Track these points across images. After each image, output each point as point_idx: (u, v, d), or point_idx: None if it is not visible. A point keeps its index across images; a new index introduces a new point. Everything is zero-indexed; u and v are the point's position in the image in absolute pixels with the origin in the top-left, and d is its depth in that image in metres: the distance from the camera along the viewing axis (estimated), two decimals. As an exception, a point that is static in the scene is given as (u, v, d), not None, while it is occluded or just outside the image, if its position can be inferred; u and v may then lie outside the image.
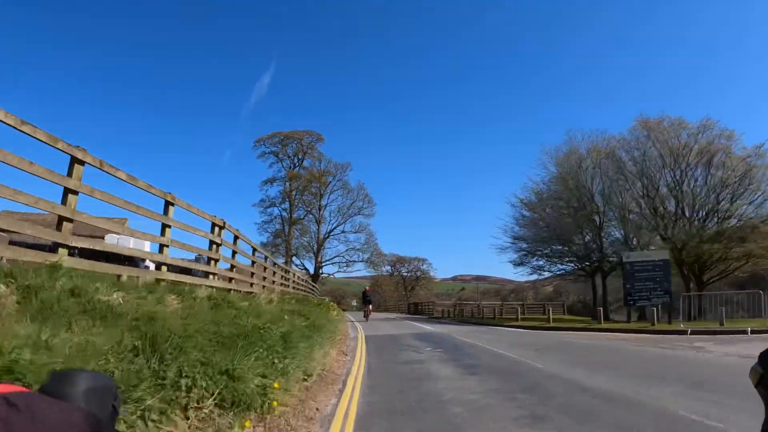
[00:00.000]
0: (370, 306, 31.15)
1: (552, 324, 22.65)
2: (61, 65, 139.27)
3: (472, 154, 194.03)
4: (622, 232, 34.50)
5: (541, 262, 40.03)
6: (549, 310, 23.92)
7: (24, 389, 0.63)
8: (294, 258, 55.74)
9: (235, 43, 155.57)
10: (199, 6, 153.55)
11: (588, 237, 36.35)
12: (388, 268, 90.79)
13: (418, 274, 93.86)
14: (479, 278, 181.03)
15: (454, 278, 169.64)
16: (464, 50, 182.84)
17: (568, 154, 36.27)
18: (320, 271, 54.81)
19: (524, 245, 39.71)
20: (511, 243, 39.57)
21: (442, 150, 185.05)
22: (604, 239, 35.12)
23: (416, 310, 48.09)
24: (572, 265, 39.89)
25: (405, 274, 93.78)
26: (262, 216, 56.19)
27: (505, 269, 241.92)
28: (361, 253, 55.11)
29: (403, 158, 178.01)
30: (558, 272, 41.24)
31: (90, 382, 0.70)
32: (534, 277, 43.06)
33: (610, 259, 33.70)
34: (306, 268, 54.89)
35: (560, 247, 37.99)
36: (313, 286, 45.18)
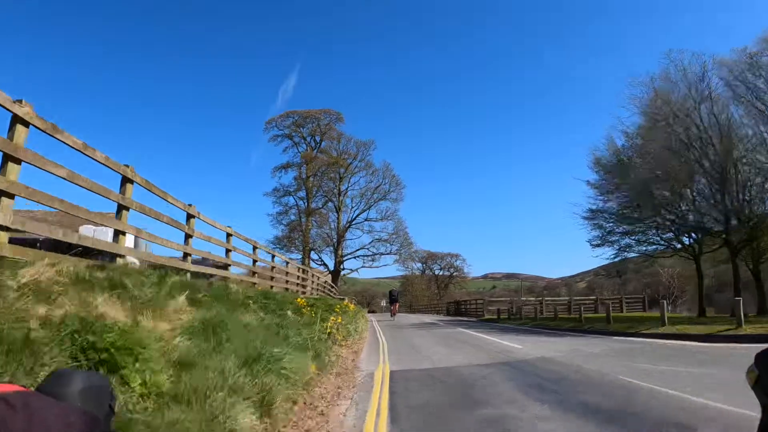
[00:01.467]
0: (397, 305, 29.90)
1: (748, 330, 11.02)
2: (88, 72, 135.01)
3: (509, 139, 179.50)
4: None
5: (627, 240, 28.09)
6: (740, 304, 12.11)
7: (22, 389, 0.61)
8: (312, 253, 45.22)
9: (259, 49, 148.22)
10: (219, 13, 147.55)
11: (683, 204, 24.46)
12: (419, 265, 79.93)
13: (452, 271, 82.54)
14: (510, 275, 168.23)
15: (485, 276, 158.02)
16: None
17: (669, 82, 24.33)
18: (341, 267, 44.01)
19: (604, 222, 28.10)
20: (589, 217, 28.01)
21: (468, 141, 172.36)
22: (734, 196, 22.99)
23: (458, 311, 36.72)
24: (664, 244, 27.79)
25: (437, 271, 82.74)
26: (275, 207, 46.06)
27: (536, 266, 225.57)
28: (388, 245, 44.08)
29: (430, 153, 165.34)
30: (649, 252, 29.12)
31: (86, 382, 0.68)
32: (617, 259, 31.05)
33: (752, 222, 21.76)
34: (325, 264, 44.31)
35: (654, 217, 26.05)
36: (332, 285, 34.50)
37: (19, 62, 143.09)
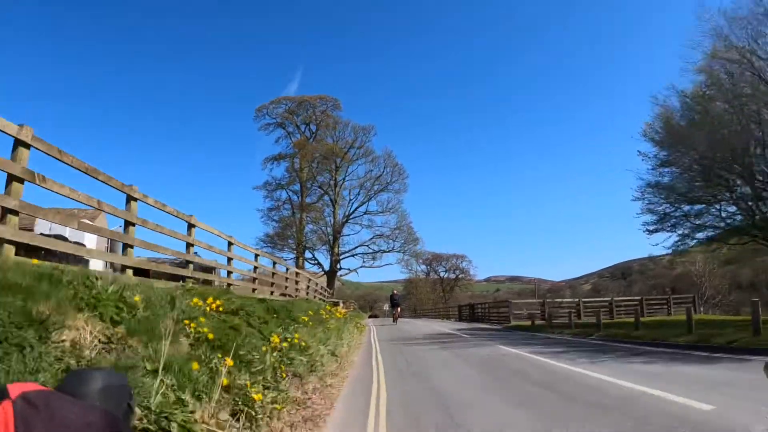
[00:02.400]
0: (399, 309, 27.08)
1: None
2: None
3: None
4: None
5: (689, 224, 21.61)
6: None
7: (43, 388, 0.60)
8: (306, 252, 38.71)
9: (263, 50, 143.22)
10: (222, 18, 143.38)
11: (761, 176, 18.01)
12: (424, 267, 73.69)
13: (457, 273, 76.33)
14: (513, 278, 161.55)
15: (488, 279, 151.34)
16: None
17: (747, 16, 17.87)
18: (338, 266, 37.42)
19: (659, 202, 21.71)
20: (640, 197, 21.58)
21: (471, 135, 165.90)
22: None
23: (473, 316, 30.06)
24: (737, 223, 21.21)
25: (442, 273, 76.52)
26: (266, 202, 39.57)
27: (538, 269, 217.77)
28: (391, 241, 37.47)
29: (427, 147, 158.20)
30: (716, 237, 22.54)
31: (106, 381, 0.66)
32: (680, 248, 24.48)
33: None
34: (320, 263, 37.74)
35: (722, 193, 19.77)
36: (325, 288, 28.01)
37: (25, 61, 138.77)
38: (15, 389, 0.56)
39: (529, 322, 21.04)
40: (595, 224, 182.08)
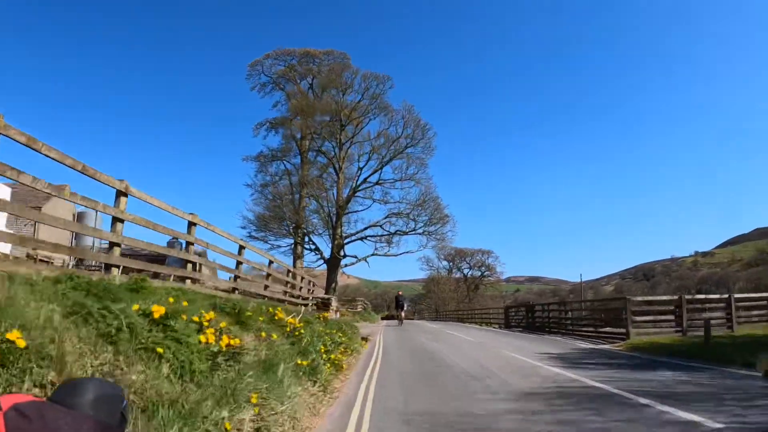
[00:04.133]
0: (403, 311, 23.61)
1: None
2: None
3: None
4: None
5: None
6: None
7: (35, 399, 0.58)
8: (307, 238, 29.09)
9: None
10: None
11: None
12: (446, 263, 64.71)
13: (483, 270, 66.54)
14: (532, 279, 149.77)
15: (507, 279, 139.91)
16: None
17: None
18: (341, 254, 27.46)
19: None
20: None
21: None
22: None
23: (533, 323, 19.63)
24: None
25: (466, 271, 66.90)
26: (259, 176, 30.09)
27: (558, 269, 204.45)
28: (411, 221, 27.34)
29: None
30: None
31: (99, 391, 0.63)
32: None
33: None
34: (320, 250, 27.98)
35: None
36: (312, 283, 18.21)
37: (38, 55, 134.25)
38: (7, 400, 0.53)
39: (666, 338, 10.78)
40: (613, 227, 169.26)
